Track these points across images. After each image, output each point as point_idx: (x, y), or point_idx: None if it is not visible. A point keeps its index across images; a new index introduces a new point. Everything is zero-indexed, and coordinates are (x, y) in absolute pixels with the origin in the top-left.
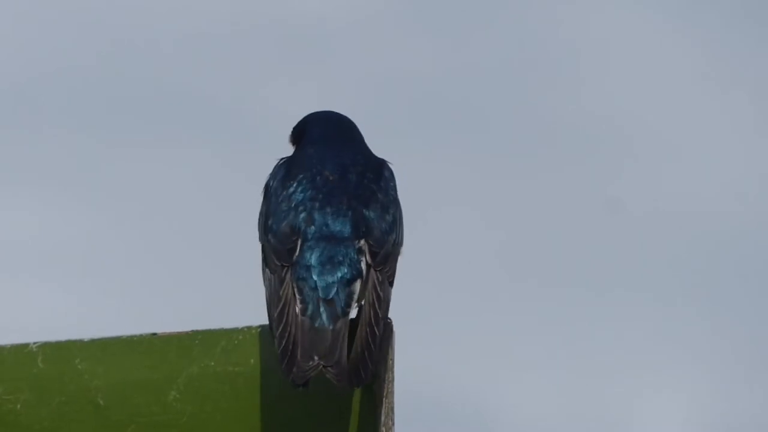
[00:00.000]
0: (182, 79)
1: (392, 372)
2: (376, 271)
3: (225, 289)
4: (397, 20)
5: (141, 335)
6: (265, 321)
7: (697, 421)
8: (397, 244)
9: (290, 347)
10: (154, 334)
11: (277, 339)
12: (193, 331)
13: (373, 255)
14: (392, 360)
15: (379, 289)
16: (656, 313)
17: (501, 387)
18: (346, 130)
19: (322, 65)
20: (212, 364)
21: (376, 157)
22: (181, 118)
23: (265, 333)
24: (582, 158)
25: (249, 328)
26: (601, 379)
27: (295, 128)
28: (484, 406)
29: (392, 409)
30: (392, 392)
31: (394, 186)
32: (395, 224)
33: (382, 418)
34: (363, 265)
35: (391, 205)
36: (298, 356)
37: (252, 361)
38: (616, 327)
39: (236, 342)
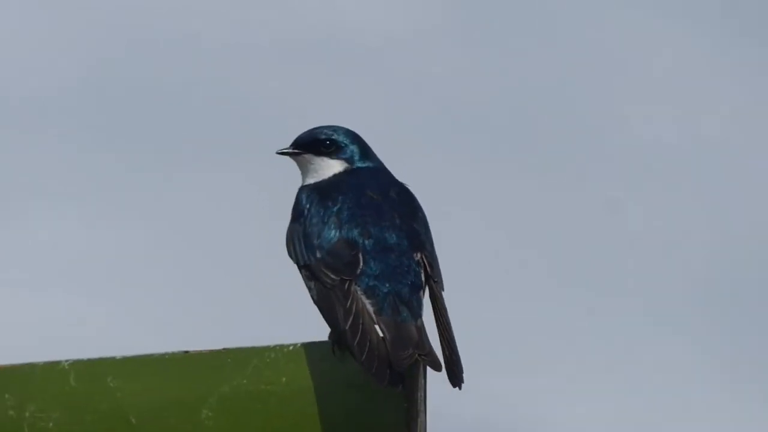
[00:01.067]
0: (220, 94)
1: (424, 390)
2: (434, 282)
3: (257, 308)
4: (418, 36)
5: (173, 353)
6: (297, 339)
7: None
8: (437, 259)
9: (376, 351)
10: (186, 352)
11: (356, 349)
12: (225, 349)
13: (430, 267)
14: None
15: (443, 300)
16: (689, 323)
17: (528, 399)
18: (370, 149)
19: (360, 81)
20: (244, 382)
21: (396, 179)
22: (216, 136)
23: (298, 352)
24: (595, 165)
25: (281, 346)
26: (630, 390)
27: (312, 140)
28: (501, 418)
29: (425, 428)
30: (425, 411)
31: None
32: (433, 239)
33: None
34: (423, 277)
35: (427, 222)
36: (390, 350)
37: (284, 379)
38: (642, 335)
39: (268, 360)
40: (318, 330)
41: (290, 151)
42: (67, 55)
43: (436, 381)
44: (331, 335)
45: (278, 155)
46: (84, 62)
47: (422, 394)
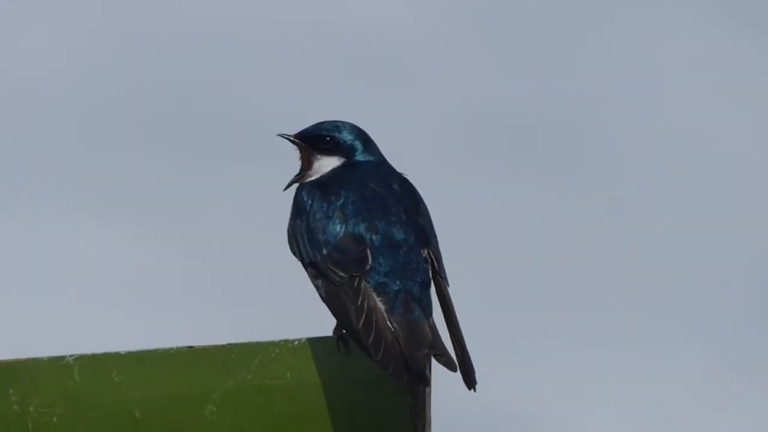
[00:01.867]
0: (221, 94)
1: (429, 385)
2: (441, 278)
3: (262, 303)
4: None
5: (177, 348)
6: (301, 334)
7: None
8: (441, 254)
9: (391, 349)
10: (191, 347)
11: (371, 348)
12: (229, 344)
13: (436, 262)
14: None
15: (451, 297)
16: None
17: (529, 400)
18: (373, 144)
19: (365, 81)
20: (249, 377)
21: (396, 171)
22: (219, 136)
23: (303, 347)
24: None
25: (286, 341)
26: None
27: (314, 135)
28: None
29: (430, 422)
30: (430, 405)
31: None
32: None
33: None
34: (430, 273)
35: (430, 215)
36: (405, 349)
37: (289, 374)
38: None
39: (273, 356)
40: (323, 325)
41: (290, 137)
42: (84, 56)
43: (441, 376)
44: (335, 330)
45: (280, 137)
46: (96, 63)
47: (427, 390)
